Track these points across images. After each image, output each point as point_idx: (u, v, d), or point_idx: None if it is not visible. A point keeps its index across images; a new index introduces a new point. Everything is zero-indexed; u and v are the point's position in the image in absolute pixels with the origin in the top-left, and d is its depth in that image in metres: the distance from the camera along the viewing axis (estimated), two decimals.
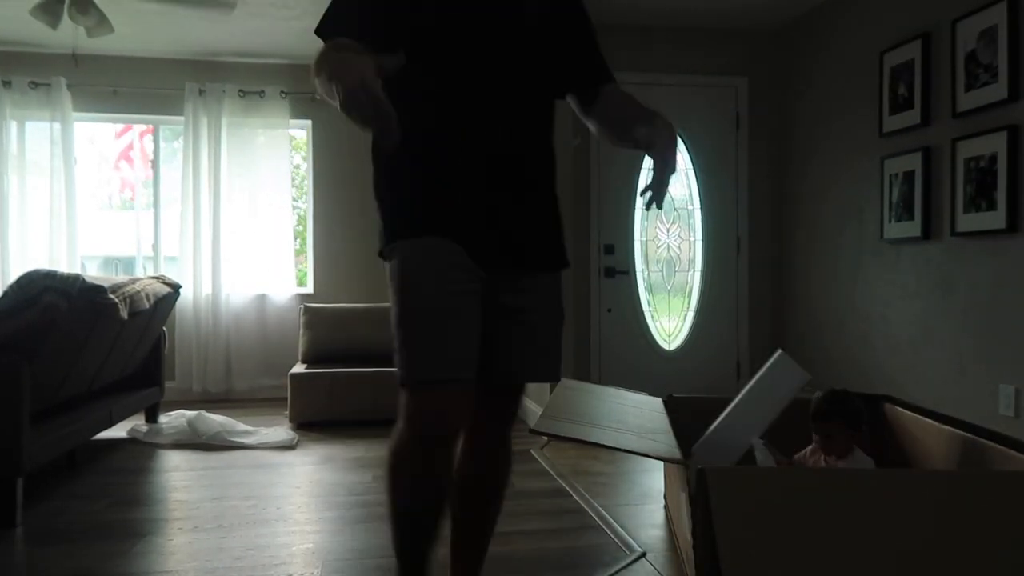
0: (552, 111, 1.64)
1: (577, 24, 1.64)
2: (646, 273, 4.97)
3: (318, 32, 1.42)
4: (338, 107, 1.16)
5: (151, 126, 5.49)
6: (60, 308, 2.60)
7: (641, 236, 4.96)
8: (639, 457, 3.32)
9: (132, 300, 3.25)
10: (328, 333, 4.88)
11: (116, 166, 5.68)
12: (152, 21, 4.58)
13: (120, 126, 6.05)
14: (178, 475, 3.24)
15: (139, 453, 3.66)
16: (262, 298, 5.34)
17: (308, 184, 5.57)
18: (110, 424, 3.44)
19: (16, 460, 2.54)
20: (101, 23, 4.06)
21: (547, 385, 4.01)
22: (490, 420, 1.64)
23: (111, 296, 2.97)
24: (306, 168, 5.62)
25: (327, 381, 4.32)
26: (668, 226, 5.01)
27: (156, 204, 5.45)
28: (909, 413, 2.43)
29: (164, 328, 4.36)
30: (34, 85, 5.04)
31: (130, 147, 5.83)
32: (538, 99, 1.58)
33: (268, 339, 5.36)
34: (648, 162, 4.91)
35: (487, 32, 1.47)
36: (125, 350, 3.60)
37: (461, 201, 1.47)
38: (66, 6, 3.94)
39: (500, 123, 1.49)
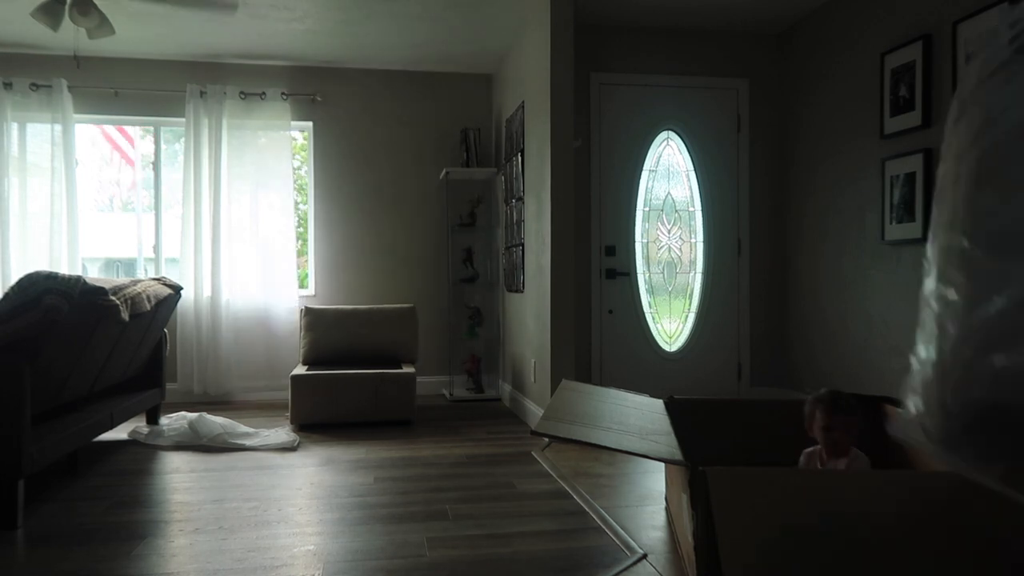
0: None
1: None
2: (647, 275, 4.97)
3: None
4: None
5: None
6: (61, 310, 2.60)
7: (642, 238, 4.96)
8: (640, 458, 3.32)
9: (133, 302, 3.26)
10: (329, 335, 4.88)
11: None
12: (153, 23, 4.58)
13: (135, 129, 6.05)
14: (179, 477, 3.24)
15: (140, 455, 3.66)
16: (263, 299, 5.34)
17: (309, 186, 5.58)
18: (111, 426, 3.44)
19: (17, 462, 2.54)
20: (102, 25, 4.06)
21: (549, 387, 4.01)
22: None
23: (112, 298, 2.97)
24: (307, 170, 5.62)
25: (328, 383, 4.33)
26: (669, 228, 5.01)
27: (157, 206, 5.46)
28: None
29: (165, 330, 4.36)
30: (35, 87, 5.04)
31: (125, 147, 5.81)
32: None
33: (269, 341, 5.36)
34: (649, 164, 4.94)
35: None
36: (126, 352, 3.60)
37: None
38: (67, 8, 3.95)
39: None
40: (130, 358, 3.75)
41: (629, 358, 4.92)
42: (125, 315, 3.10)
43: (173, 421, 4.08)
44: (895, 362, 3.99)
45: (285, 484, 3.11)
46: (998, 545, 1.59)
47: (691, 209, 5.02)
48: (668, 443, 2.14)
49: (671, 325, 5.01)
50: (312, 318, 4.92)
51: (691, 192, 5.01)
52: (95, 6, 3.93)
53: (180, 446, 3.83)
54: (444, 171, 5.35)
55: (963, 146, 1.06)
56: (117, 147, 5.71)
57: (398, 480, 3.14)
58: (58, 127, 5.06)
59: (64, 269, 5.08)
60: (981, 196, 1.02)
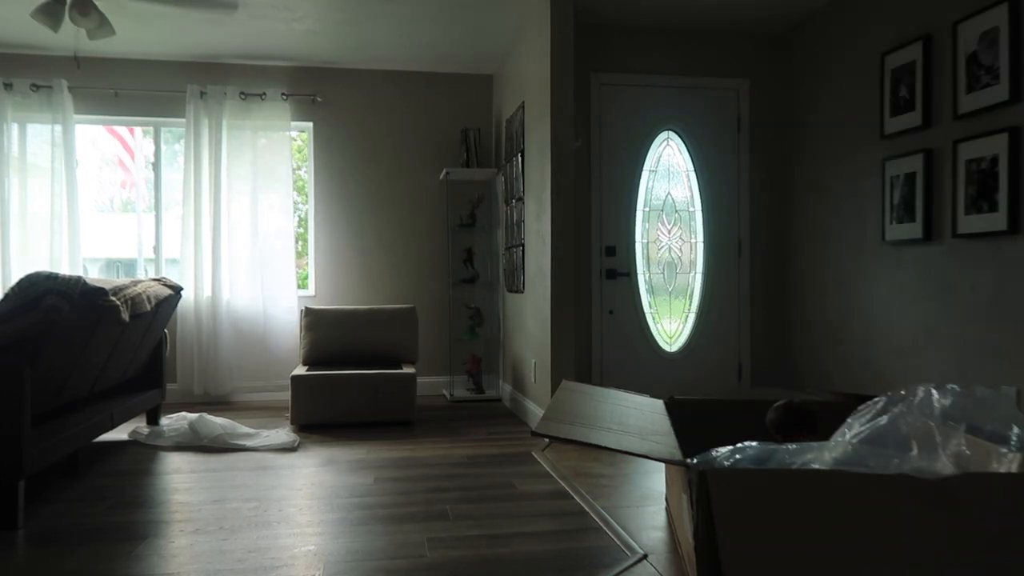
0: None
1: None
2: (647, 275, 4.97)
3: None
4: None
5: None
6: (62, 310, 2.60)
7: (642, 238, 4.96)
8: (640, 459, 3.32)
9: (134, 302, 3.26)
10: (329, 335, 4.88)
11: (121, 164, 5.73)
12: (153, 23, 4.58)
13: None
14: (179, 477, 3.24)
15: (140, 455, 3.67)
16: (263, 300, 5.34)
17: (309, 186, 5.58)
18: (111, 426, 3.44)
19: (18, 462, 2.54)
20: (102, 25, 4.07)
21: (549, 387, 4.01)
22: None
23: (113, 298, 2.97)
24: (307, 170, 5.62)
25: (328, 383, 4.33)
26: (669, 228, 5.01)
27: (158, 206, 5.46)
28: None
29: (166, 330, 4.36)
30: (35, 87, 5.04)
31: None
32: None
33: (269, 341, 5.36)
34: (649, 164, 4.94)
35: None
36: (127, 352, 3.60)
37: None
38: (67, 8, 3.95)
39: None
40: (130, 359, 3.75)
41: (629, 358, 4.91)
42: (125, 316, 3.10)
43: (173, 422, 4.08)
44: (896, 362, 3.99)
45: (285, 484, 3.11)
46: (1000, 546, 1.59)
47: (691, 209, 5.02)
48: (668, 443, 2.14)
49: (671, 325, 5.01)
50: (312, 318, 4.92)
51: (691, 192, 5.01)
52: (95, 7, 3.93)
53: (180, 447, 3.83)
54: (444, 171, 5.36)
55: None
56: (128, 149, 5.74)
57: (398, 480, 3.14)
58: (58, 128, 5.06)
59: (65, 270, 5.08)
60: None
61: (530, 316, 4.52)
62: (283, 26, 4.66)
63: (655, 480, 3.12)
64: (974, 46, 3.43)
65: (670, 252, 5.01)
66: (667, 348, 4.99)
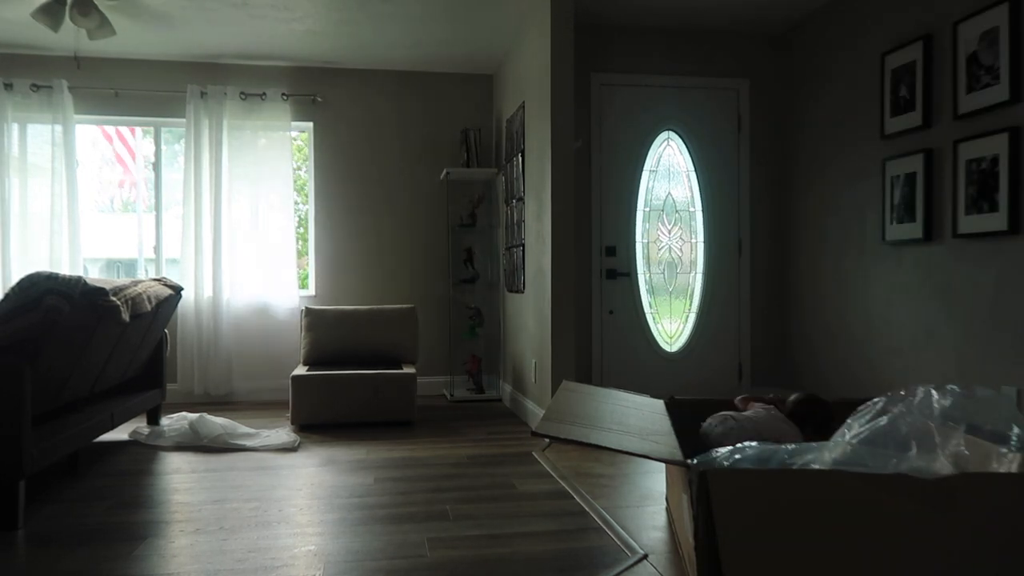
0: None
1: None
2: (647, 275, 4.97)
3: None
4: None
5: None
6: (62, 310, 2.60)
7: (642, 238, 4.96)
8: (640, 459, 3.32)
9: (134, 302, 3.26)
10: (330, 335, 4.88)
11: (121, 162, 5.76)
12: (153, 23, 4.58)
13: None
14: (180, 477, 3.24)
15: (141, 455, 3.67)
16: (264, 300, 5.34)
17: (309, 186, 5.58)
18: (112, 426, 3.44)
19: (18, 462, 2.54)
20: (102, 25, 4.07)
21: (549, 387, 4.01)
22: None
23: (113, 298, 2.98)
24: (307, 170, 5.63)
25: (329, 383, 4.33)
26: (670, 228, 5.01)
27: (158, 206, 5.46)
28: None
29: (166, 330, 4.36)
30: (36, 87, 5.04)
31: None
32: None
33: (270, 341, 5.36)
34: (650, 164, 4.94)
35: None
36: (127, 352, 3.60)
37: None
38: (67, 8, 3.96)
39: None
40: (131, 359, 3.75)
41: (630, 358, 4.91)
42: (126, 316, 3.11)
43: (174, 422, 4.08)
44: (896, 362, 3.99)
45: (286, 484, 3.11)
46: (1000, 546, 1.59)
47: (691, 209, 5.02)
48: (668, 443, 2.14)
49: (672, 325, 5.01)
50: (312, 318, 4.92)
51: (691, 192, 5.01)
52: (95, 7, 3.94)
53: (181, 447, 3.83)
54: (444, 171, 5.36)
55: None
56: (128, 148, 5.78)
57: (398, 480, 3.14)
58: (59, 128, 5.06)
59: (65, 270, 5.08)
60: None
61: (530, 316, 4.52)
62: (283, 26, 4.66)
63: (655, 480, 3.12)
64: (974, 46, 3.43)
65: (670, 252, 5.01)
66: (667, 348, 4.99)
